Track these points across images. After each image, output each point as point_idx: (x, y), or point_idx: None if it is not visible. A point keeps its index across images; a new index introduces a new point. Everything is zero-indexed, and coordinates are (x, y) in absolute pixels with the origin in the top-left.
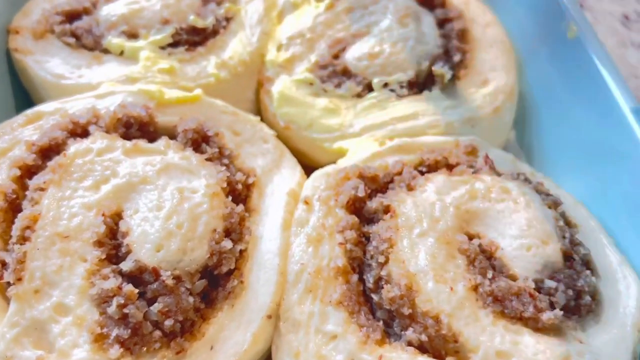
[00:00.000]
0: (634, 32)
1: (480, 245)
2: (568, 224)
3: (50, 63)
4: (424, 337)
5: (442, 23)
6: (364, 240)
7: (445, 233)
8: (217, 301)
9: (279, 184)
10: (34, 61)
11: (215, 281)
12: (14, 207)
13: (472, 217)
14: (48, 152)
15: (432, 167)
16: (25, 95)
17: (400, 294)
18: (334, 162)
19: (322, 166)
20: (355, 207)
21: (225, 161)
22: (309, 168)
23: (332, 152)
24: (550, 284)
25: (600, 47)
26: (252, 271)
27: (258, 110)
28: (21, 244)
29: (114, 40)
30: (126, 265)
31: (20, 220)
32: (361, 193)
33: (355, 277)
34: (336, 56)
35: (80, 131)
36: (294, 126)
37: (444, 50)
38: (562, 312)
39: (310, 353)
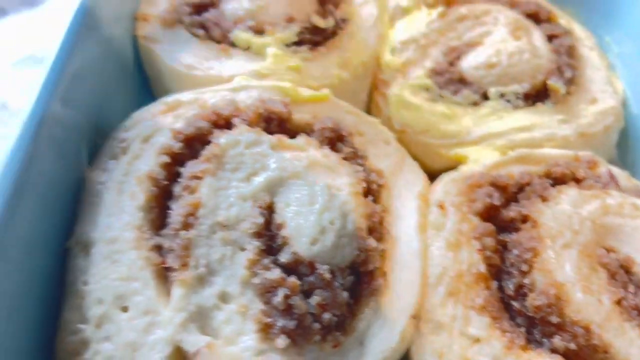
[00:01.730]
0: None
1: (617, 260)
2: None
3: (180, 53)
4: (573, 346)
5: (550, 38)
6: (499, 248)
7: (586, 246)
8: (363, 298)
9: (405, 186)
10: (163, 50)
11: (359, 278)
12: (163, 193)
13: (606, 232)
14: (192, 141)
15: (559, 180)
16: (142, 81)
17: (549, 303)
18: (448, 168)
19: (435, 171)
20: (489, 214)
21: (360, 161)
22: None
23: (447, 158)
24: None
25: None
26: (394, 271)
27: (369, 112)
28: (185, 231)
29: (241, 35)
30: (284, 257)
31: (183, 207)
32: (497, 201)
33: (495, 284)
34: (451, 64)
35: (222, 123)
36: (410, 130)
37: (556, 66)
38: None
39: (455, 354)
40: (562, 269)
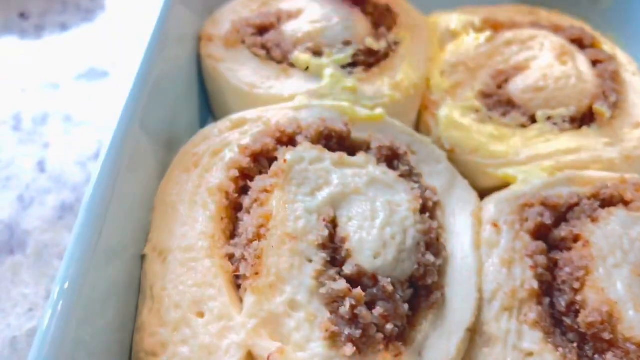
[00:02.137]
0: None
1: None
2: None
3: (242, 72)
4: None
5: (594, 63)
6: (551, 265)
7: (637, 265)
8: (421, 310)
9: (458, 204)
10: (226, 69)
11: (418, 292)
12: (233, 205)
13: None
14: (259, 156)
15: (607, 202)
16: (203, 98)
17: (601, 320)
18: (496, 188)
19: (482, 190)
20: (540, 233)
21: (415, 179)
22: None
23: (496, 178)
24: None
25: None
26: (450, 286)
27: (418, 131)
28: (258, 241)
29: (301, 56)
30: (348, 269)
31: (255, 219)
32: (548, 220)
33: (547, 300)
34: (499, 86)
35: (285, 140)
36: (459, 150)
37: (601, 91)
38: None
39: None
40: (613, 287)
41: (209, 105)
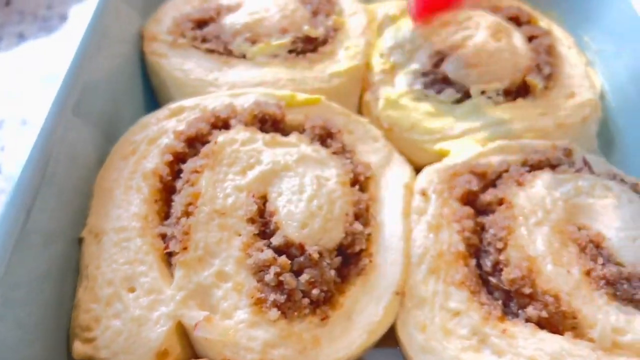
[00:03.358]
0: None
1: (588, 236)
2: None
3: (185, 66)
4: (544, 314)
5: (530, 39)
6: (478, 229)
7: (558, 223)
8: (350, 277)
9: (392, 178)
10: (169, 64)
11: (347, 259)
12: (167, 188)
13: (578, 211)
14: (193, 141)
15: (536, 167)
16: (148, 93)
17: (522, 275)
18: (434, 162)
19: (420, 166)
20: (468, 199)
21: (348, 155)
22: None
23: (433, 153)
24: None
25: None
26: (379, 252)
27: (361, 113)
28: (186, 218)
29: (240, 46)
30: (276, 240)
31: (184, 197)
32: (474, 187)
33: (473, 261)
34: (436, 65)
35: (221, 124)
36: (397, 128)
37: (535, 64)
38: None
39: (437, 327)
40: (533, 244)
41: (157, 100)
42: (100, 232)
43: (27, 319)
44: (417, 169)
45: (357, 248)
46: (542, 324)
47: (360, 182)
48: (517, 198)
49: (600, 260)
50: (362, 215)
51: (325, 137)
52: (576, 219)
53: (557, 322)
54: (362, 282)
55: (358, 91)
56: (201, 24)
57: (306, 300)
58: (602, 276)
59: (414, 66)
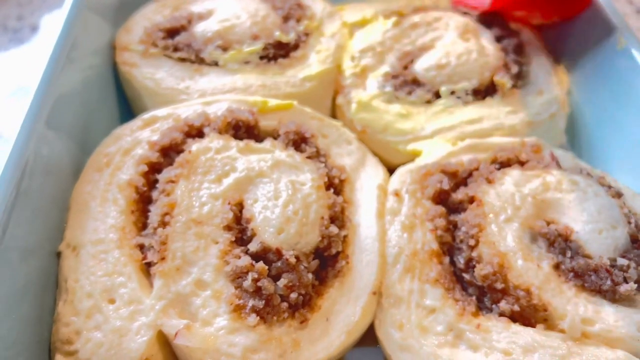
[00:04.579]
0: None
1: (556, 230)
2: (630, 211)
3: (157, 75)
4: (516, 308)
5: (499, 39)
6: (450, 227)
7: (527, 219)
8: (328, 279)
9: (367, 180)
10: (141, 73)
11: (324, 262)
12: (143, 198)
13: (547, 206)
14: (168, 150)
15: (505, 164)
16: (122, 103)
17: (494, 271)
18: (407, 163)
19: (395, 167)
20: (440, 198)
21: (322, 159)
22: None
23: (405, 154)
24: (622, 261)
25: None
26: (355, 254)
27: (334, 116)
28: (162, 228)
29: (212, 54)
30: (253, 246)
31: (160, 208)
32: (446, 186)
33: (447, 259)
34: (405, 67)
35: (194, 133)
36: (370, 130)
37: (503, 63)
38: (636, 285)
39: (413, 324)
40: (504, 240)
41: (132, 110)
42: (78, 245)
43: (7, 334)
44: (392, 170)
45: (333, 251)
46: (515, 317)
47: (335, 185)
48: (487, 196)
49: (569, 254)
50: (338, 217)
51: (299, 142)
52: (545, 214)
53: (529, 315)
54: (340, 283)
55: (330, 95)
56: (172, 32)
57: (285, 305)
58: (571, 269)
59: (385, 68)
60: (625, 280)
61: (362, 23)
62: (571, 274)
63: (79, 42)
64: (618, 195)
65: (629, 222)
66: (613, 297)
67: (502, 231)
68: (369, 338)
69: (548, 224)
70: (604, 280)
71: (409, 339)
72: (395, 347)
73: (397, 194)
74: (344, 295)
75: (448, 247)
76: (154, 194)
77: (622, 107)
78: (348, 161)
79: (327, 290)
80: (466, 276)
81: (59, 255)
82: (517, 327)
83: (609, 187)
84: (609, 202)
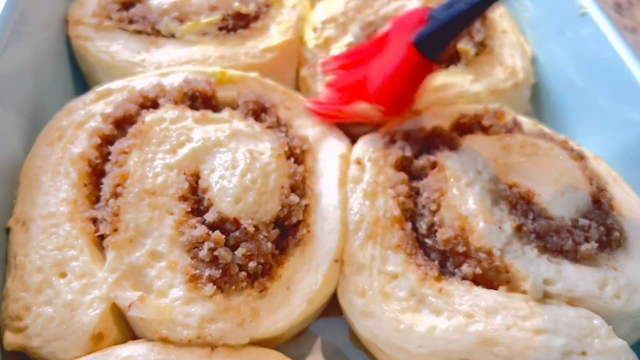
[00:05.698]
0: (626, 18)
1: (519, 193)
2: (592, 173)
3: (111, 48)
4: (478, 270)
5: None
6: (413, 194)
7: (489, 182)
8: (289, 248)
9: (330, 150)
10: (95, 47)
11: (285, 231)
12: (97, 171)
13: (509, 169)
14: (122, 122)
15: (468, 130)
16: (77, 78)
17: (455, 234)
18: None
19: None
20: (403, 165)
21: (283, 129)
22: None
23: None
24: (584, 222)
25: (608, 20)
26: (317, 222)
27: (298, 88)
28: (115, 199)
29: (168, 25)
30: (210, 216)
31: (112, 179)
32: (408, 153)
33: (409, 225)
34: (369, 37)
35: (149, 104)
36: None
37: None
38: (597, 244)
39: (375, 291)
40: (465, 204)
41: (88, 85)
42: (28, 220)
43: None
44: (355, 141)
45: (294, 220)
46: (477, 280)
47: (296, 155)
48: (449, 160)
49: (531, 216)
50: (299, 187)
51: (259, 112)
52: (507, 178)
53: (491, 277)
54: (301, 252)
55: (294, 67)
56: (127, 5)
57: (243, 274)
58: (533, 230)
59: (348, 39)
60: (587, 240)
61: None
62: (533, 235)
63: (28, 16)
64: (580, 157)
65: (591, 184)
66: (575, 257)
67: (463, 195)
68: (333, 308)
69: (510, 187)
70: (566, 240)
71: (371, 305)
72: (357, 314)
73: (359, 162)
74: (305, 263)
75: (410, 214)
76: (107, 167)
77: (583, 73)
78: (311, 132)
79: (287, 259)
80: (428, 241)
81: (7, 231)
82: (479, 290)
83: (572, 150)
84: (571, 165)
